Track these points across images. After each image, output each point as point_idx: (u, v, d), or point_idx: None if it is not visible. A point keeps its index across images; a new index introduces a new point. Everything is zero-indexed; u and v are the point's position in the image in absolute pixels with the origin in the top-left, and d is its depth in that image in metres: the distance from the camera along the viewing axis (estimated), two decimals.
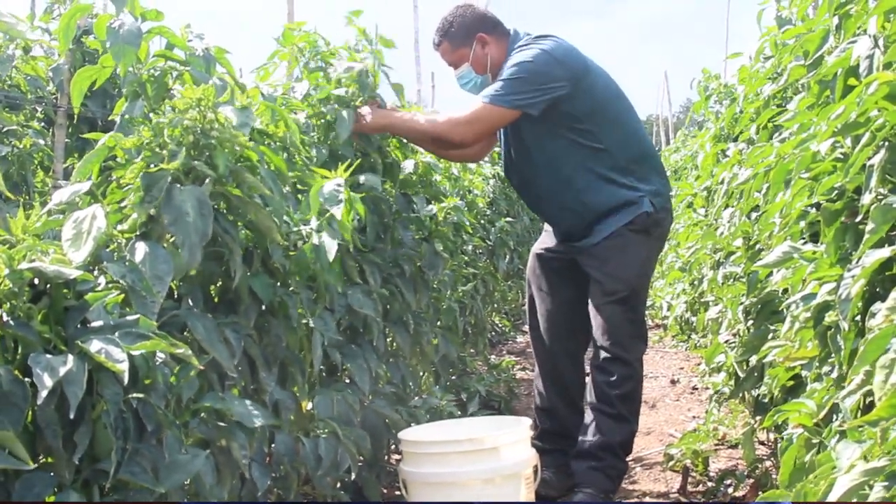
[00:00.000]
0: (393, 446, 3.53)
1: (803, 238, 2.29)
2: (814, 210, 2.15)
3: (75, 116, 3.04)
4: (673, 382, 6.07)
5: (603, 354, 3.43)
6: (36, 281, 1.62)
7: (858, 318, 1.82)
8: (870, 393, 1.51)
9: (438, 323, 4.38)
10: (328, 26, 3.45)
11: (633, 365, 3.47)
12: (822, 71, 2.05)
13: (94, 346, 1.51)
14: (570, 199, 3.49)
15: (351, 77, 3.21)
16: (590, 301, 3.52)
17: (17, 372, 1.48)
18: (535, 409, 3.82)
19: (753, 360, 3.16)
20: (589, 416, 3.46)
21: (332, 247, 2.37)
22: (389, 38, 3.47)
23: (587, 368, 3.76)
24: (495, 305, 7.39)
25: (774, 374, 2.58)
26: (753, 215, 3.42)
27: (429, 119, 3.41)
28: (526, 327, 5.63)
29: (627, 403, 3.46)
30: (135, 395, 1.64)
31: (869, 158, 1.75)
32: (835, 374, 2.03)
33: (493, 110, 3.33)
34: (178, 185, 1.95)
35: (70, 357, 1.48)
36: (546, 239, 3.82)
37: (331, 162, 3.05)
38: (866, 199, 1.73)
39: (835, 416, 1.94)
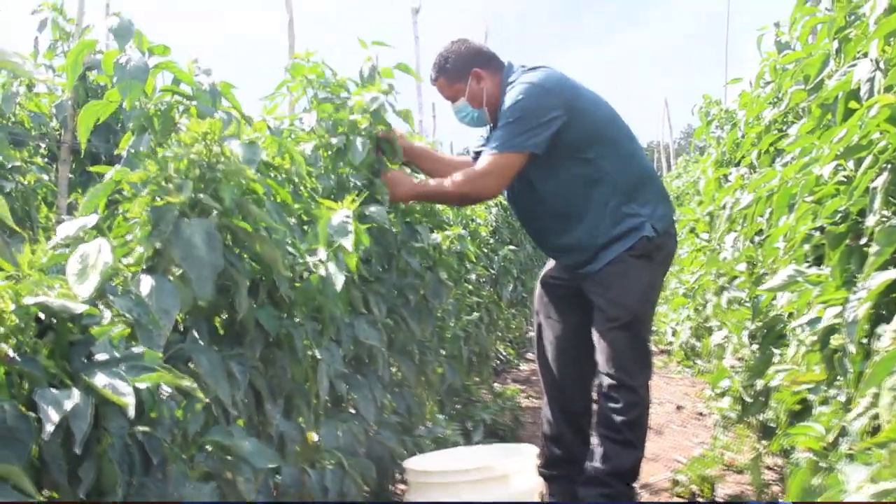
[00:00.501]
0: (398, 476, 3.51)
1: (807, 261, 2.29)
2: (818, 233, 2.15)
3: (81, 151, 3.06)
4: (679, 408, 6.05)
5: (608, 381, 3.42)
6: (42, 315, 1.62)
7: (865, 340, 1.82)
8: (878, 415, 1.50)
9: (443, 352, 4.37)
10: (329, 56, 3.48)
11: (639, 391, 3.46)
12: (822, 94, 2.06)
13: (100, 380, 1.50)
14: (572, 229, 3.50)
15: (360, 107, 3.22)
16: (593, 328, 3.52)
17: (22, 407, 1.47)
18: (542, 436, 3.81)
19: (759, 384, 3.16)
20: (596, 443, 3.45)
21: (339, 279, 2.37)
22: (391, 68, 3.50)
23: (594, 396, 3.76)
24: (499, 334, 7.38)
25: (781, 398, 2.57)
26: (756, 239, 3.42)
27: (451, 181, 3.45)
28: (530, 355, 5.61)
29: (634, 430, 3.44)
30: (140, 428, 1.64)
31: (872, 181, 1.75)
32: (842, 398, 2.02)
33: (505, 158, 3.38)
34: (185, 219, 1.95)
35: (76, 391, 1.47)
36: (552, 266, 3.83)
37: (338, 191, 3.07)
38: (871, 221, 1.73)
39: (842, 440, 1.93)
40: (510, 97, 3.42)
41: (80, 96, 4.00)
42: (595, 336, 3.50)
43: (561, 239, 3.59)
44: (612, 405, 3.41)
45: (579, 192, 3.46)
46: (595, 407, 3.54)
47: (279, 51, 4.75)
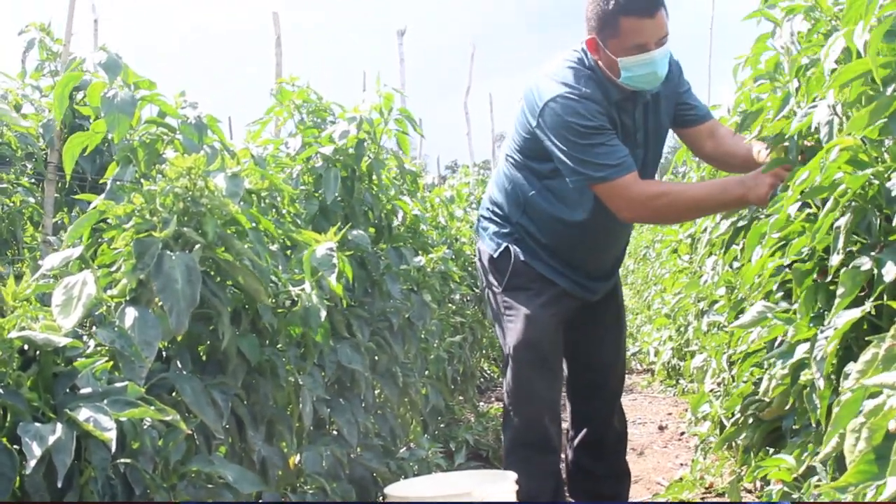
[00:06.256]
0: (380, 499, 3.53)
1: (777, 294, 2.35)
2: (787, 270, 2.21)
3: (67, 178, 3.09)
4: (661, 429, 6.08)
5: (618, 404, 3.46)
6: (25, 347, 1.65)
7: (833, 376, 1.87)
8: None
9: (427, 373, 4.40)
10: (315, 76, 3.53)
11: None
12: (782, 136, 2.13)
13: (83, 414, 1.54)
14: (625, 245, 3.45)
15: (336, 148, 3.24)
16: (614, 346, 3.42)
17: (4, 440, 1.51)
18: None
19: (737, 409, 3.20)
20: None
21: (322, 310, 2.40)
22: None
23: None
24: (484, 352, 7.41)
25: (755, 426, 2.61)
26: (735, 265, 3.47)
27: None
28: None
29: None
30: (123, 459, 1.67)
31: (836, 220, 1.81)
32: (812, 428, 2.06)
33: None
34: (169, 252, 1.99)
35: (59, 426, 1.50)
36: (553, 304, 3.19)
37: (321, 216, 3.10)
38: (835, 259, 1.78)
39: (812, 479, 1.97)
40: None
41: (68, 117, 4.02)
42: (617, 355, 3.44)
43: (620, 254, 3.39)
44: (624, 433, 3.48)
45: None
46: (602, 436, 3.44)
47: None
